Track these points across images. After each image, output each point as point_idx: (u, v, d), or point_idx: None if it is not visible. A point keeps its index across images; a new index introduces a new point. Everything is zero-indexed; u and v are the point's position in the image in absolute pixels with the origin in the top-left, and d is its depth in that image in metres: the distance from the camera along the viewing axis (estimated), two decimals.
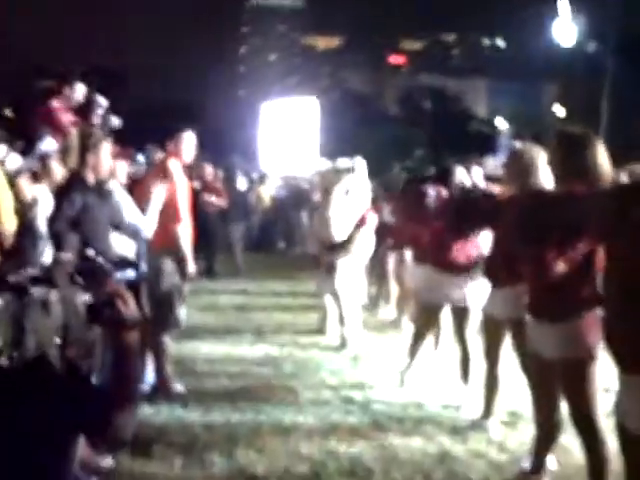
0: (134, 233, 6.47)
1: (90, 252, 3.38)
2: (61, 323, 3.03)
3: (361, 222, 9.74)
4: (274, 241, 23.15)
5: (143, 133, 15.24)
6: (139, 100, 50.90)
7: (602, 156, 4.52)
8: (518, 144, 6.15)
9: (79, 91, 8.47)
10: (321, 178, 10.46)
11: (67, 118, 8.20)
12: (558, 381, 4.81)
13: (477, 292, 7.00)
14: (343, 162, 10.01)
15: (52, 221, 5.69)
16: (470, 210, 6.45)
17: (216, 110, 45.97)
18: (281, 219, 23.04)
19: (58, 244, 5.49)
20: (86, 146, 5.88)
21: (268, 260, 19.69)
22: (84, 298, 3.06)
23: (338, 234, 9.62)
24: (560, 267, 4.53)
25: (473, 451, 6.06)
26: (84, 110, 8.66)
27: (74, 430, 2.94)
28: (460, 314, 7.22)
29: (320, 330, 10.37)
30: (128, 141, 8.02)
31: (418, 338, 7.85)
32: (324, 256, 9.80)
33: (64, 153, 5.99)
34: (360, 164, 9.92)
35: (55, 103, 8.34)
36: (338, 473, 5.56)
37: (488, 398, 6.63)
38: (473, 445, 6.19)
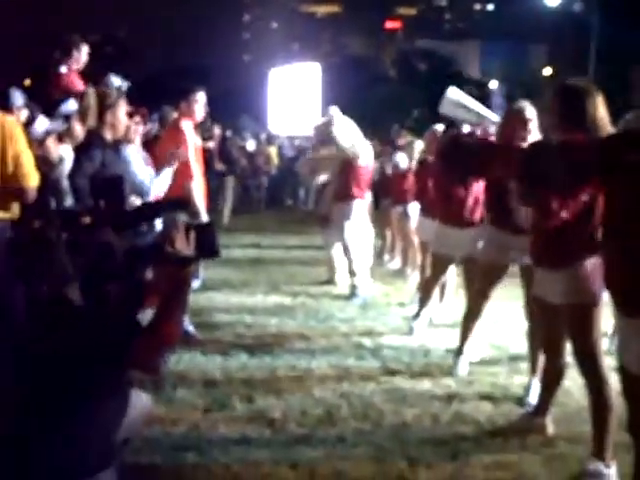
0: (143, 192, 6.35)
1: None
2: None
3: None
4: (282, 199, 23.10)
5: (157, 94, 15.07)
6: (152, 65, 50.61)
7: (602, 107, 4.39)
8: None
9: (84, 52, 8.27)
10: (315, 131, 10.45)
11: (77, 82, 8.04)
12: (563, 325, 4.71)
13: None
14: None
15: (72, 177, 5.57)
16: (462, 154, 6.23)
17: (223, 74, 45.69)
18: (289, 178, 22.93)
19: (79, 198, 5.39)
20: (104, 105, 5.78)
21: (278, 216, 19.64)
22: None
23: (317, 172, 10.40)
24: (563, 214, 4.41)
25: (479, 393, 5.98)
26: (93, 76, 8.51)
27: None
28: (470, 265, 7.08)
29: (329, 281, 10.29)
30: (143, 100, 7.86)
31: (428, 288, 7.76)
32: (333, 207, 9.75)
33: (83, 113, 5.87)
34: (336, 113, 9.81)
35: (63, 69, 8.16)
36: (351, 415, 5.49)
37: (464, 335, 6.60)
38: (478, 388, 6.12)
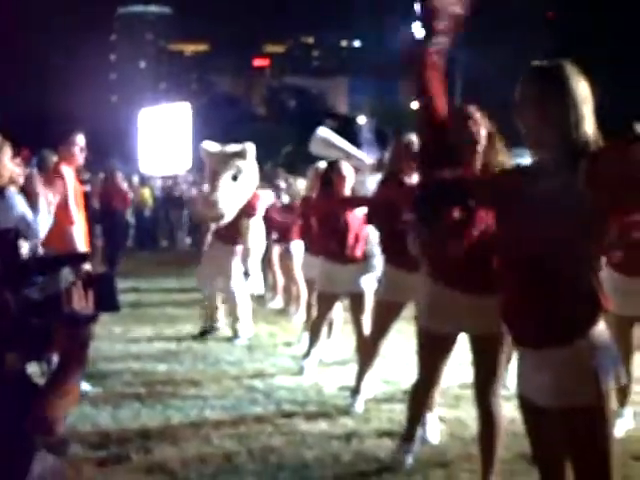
0: (33, 234, 6.19)
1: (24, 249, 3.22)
2: None
3: (251, 210, 9.36)
4: (157, 239, 22.90)
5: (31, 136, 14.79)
6: (18, 107, 49.59)
7: None
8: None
9: None
10: (209, 159, 9.53)
11: None
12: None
13: (371, 279, 6.99)
14: (232, 147, 9.46)
15: None
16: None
17: (91, 116, 45.08)
18: (163, 218, 22.78)
19: None
20: None
21: (154, 258, 19.42)
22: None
23: (225, 217, 9.09)
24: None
25: (377, 430, 6.03)
26: None
27: None
28: (357, 301, 7.16)
29: (211, 327, 10.00)
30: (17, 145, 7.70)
31: (316, 326, 7.79)
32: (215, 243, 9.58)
33: None
34: (251, 149, 9.31)
35: None
36: (251, 459, 5.44)
37: (360, 374, 6.67)
38: (376, 425, 6.17)
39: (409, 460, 5.24)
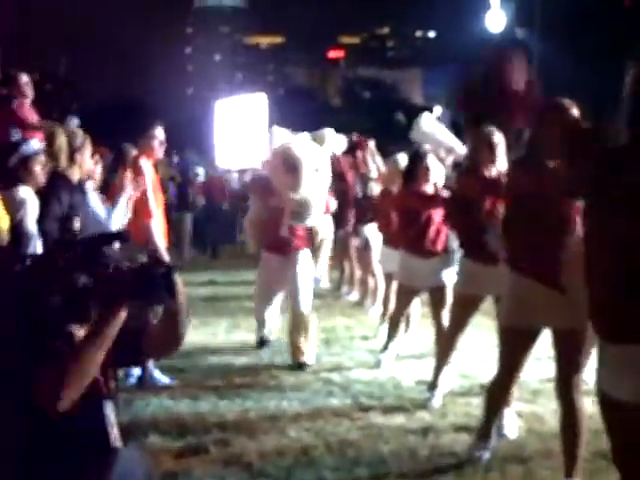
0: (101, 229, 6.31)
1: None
2: None
3: (325, 209, 8.94)
4: (235, 233, 23.01)
5: (109, 130, 14.99)
6: (94, 101, 50.38)
7: None
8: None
9: (28, 83, 8.13)
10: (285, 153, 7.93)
11: (31, 115, 7.93)
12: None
13: (452, 273, 6.95)
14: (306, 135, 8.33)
15: (41, 221, 5.49)
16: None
17: (167, 108, 45.60)
18: (241, 211, 22.88)
19: (48, 243, 5.32)
20: (74, 146, 5.75)
21: (231, 250, 19.59)
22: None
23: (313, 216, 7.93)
24: None
25: (454, 425, 6.00)
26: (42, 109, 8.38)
27: None
28: (437, 295, 7.14)
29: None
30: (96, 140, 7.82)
31: (395, 320, 7.77)
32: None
33: (54, 153, 5.80)
34: (330, 135, 8.28)
35: (15, 103, 8.03)
36: (328, 453, 5.46)
37: (437, 369, 6.66)
38: (453, 419, 6.15)
39: (486, 456, 5.21)
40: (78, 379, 2.83)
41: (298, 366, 7.75)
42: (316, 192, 7.88)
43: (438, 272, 7.11)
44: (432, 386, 6.62)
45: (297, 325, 7.96)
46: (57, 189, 5.63)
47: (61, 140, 5.81)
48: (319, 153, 8.00)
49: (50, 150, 5.79)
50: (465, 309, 6.23)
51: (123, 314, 2.92)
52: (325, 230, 9.86)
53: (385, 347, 7.86)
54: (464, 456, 5.31)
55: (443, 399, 6.57)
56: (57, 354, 2.89)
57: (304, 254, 8.18)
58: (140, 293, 2.95)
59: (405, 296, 7.56)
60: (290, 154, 7.78)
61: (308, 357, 7.85)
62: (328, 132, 8.25)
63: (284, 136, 8.14)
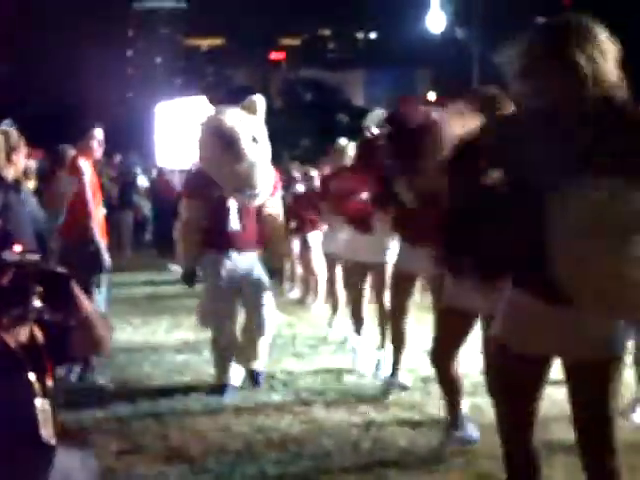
0: (45, 232, 6.24)
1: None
2: None
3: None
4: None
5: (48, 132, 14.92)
6: (37, 105, 49.69)
7: None
8: None
9: None
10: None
11: None
12: None
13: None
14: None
15: None
16: None
17: (108, 111, 45.22)
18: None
19: None
20: (10, 146, 5.68)
21: (170, 250, 19.44)
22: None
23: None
24: None
25: (396, 418, 6.02)
26: None
27: None
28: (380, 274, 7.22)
29: None
30: (34, 142, 7.73)
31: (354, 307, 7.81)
32: None
33: None
34: (261, 102, 7.05)
35: None
36: (271, 448, 5.43)
37: (396, 356, 6.71)
38: (395, 412, 6.16)
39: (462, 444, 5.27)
40: None
41: (249, 375, 6.96)
42: (259, 164, 6.67)
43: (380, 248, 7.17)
44: (393, 374, 6.72)
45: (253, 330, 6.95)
46: None
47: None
48: (253, 122, 6.84)
49: None
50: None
51: None
52: None
53: (357, 332, 7.84)
54: (408, 449, 5.34)
55: (386, 392, 6.59)
56: None
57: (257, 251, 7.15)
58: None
59: (355, 272, 7.60)
60: (222, 125, 6.66)
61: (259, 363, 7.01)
62: (259, 99, 7.05)
63: (210, 109, 6.98)
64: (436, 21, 31.54)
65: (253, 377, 6.93)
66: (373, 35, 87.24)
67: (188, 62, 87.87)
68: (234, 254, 6.76)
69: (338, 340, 8.65)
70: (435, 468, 5.01)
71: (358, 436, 5.64)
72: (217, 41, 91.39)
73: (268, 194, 6.87)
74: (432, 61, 53.30)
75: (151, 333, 9.36)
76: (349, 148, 8.56)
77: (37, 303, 2.94)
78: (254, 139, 6.71)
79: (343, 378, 7.20)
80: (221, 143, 6.61)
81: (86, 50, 58.06)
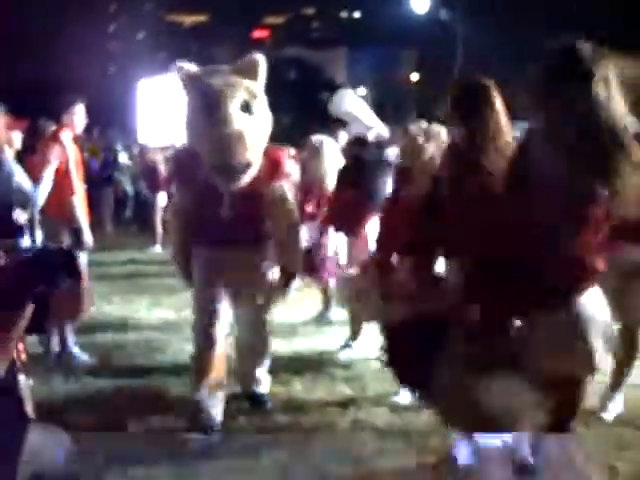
0: (30, 201, 6.23)
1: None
2: None
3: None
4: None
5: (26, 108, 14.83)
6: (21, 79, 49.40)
7: None
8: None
9: None
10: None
11: None
12: None
13: None
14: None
15: None
16: None
17: (90, 87, 45.03)
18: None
19: None
20: None
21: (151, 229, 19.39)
22: None
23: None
24: None
25: (374, 398, 6.07)
26: None
27: None
28: None
29: None
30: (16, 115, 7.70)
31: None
32: None
33: None
34: (262, 64, 5.83)
35: None
36: (248, 428, 5.50)
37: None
38: (372, 392, 6.21)
39: None
40: None
41: (251, 398, 5.99)
42: (248, 135, 5.38)
43: None
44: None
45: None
46: None
47: None
48: (248, 87, 5.60)
49: None
50: None
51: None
52: None
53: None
54: (385, 430, 5.38)
55: (366, 372, 6.64)
56: None
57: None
58: (39, 281, 2.88)
59: None
60: (208, 86, 5.50)
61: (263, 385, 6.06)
62: (259, 58, 5.82)
63: (196, 70, 5.75)
64: (420, 2, 31.57)
65: (254, 399, 5.97)
66: (357, 14, 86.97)
67: (171, 38, 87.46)
68: (227, 249, 5.53)
69: (316, 320, 8.67)
70: (413, 449, 5.05)
71: (335, 415, 5.70)
72: (201, 17, 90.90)
73: (256, 173, 5.50)
74: (416, 41, 53.14)
75: (132, 311, 9.33)
76: (324, 146, 8.51)
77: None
78: (246, 107, 5.47)
79: (321, 357, 7.22)
80: (203, 107, 5.44)
81: (68, 25, 57.60)
